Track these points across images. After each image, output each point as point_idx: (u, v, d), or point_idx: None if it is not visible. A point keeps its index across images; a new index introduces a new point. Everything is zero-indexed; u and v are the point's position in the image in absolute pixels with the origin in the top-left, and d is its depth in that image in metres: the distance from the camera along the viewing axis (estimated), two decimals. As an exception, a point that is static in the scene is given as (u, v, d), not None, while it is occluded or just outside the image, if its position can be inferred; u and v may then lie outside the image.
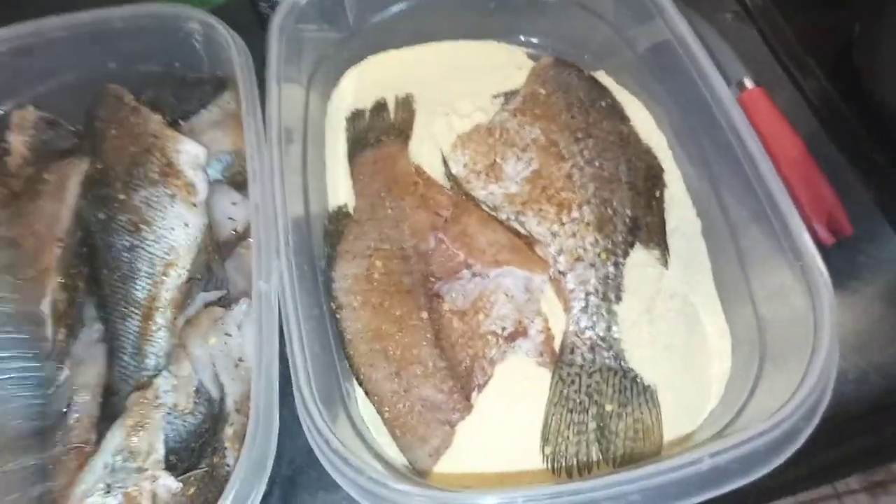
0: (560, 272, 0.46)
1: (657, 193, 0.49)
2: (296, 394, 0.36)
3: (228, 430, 0.40)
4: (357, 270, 0.45)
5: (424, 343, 0.42)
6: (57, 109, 0.57)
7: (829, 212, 0.48)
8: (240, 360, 0.42)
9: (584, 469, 0.40)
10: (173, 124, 0.53)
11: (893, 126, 0.52)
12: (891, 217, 0.50)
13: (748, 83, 0.54)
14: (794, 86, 0.58)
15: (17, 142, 0.56)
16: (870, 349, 0.45)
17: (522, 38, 0.61)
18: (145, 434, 0.41)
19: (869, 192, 0.52)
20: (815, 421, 0.34)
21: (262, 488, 0.35)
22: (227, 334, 0.42)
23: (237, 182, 0.53)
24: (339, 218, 0.49)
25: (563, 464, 0.40)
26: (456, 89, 0.58)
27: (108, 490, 0.39)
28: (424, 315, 0.43)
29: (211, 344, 0.42)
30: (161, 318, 0.44)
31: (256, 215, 0.42)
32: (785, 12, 0.62)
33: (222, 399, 0.41)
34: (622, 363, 0.43)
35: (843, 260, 0.49)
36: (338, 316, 0.44)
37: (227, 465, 0.39)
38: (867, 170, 0.52)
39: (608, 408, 0.41)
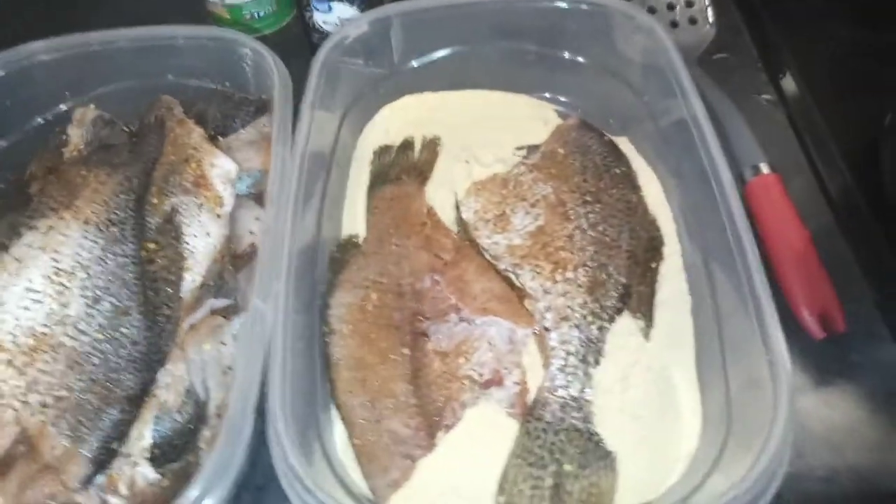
0: (545, 328, 0.47)
1: (653, 265, 0.50)
2: (268, 411, 0.39)
3: (206, 433, 0.43)
4: (352, 300, 0.48)
5: (400, 378, 0.44)
6: (114, 110, 0.62)
7: (823, 306, 0.48)
8: (228, 368, 0.45)
9: (533, 524, 0.41)
10: (213, 139, 0.57)
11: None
12: (889, 321, 0.50)
13: (764, 168, 0.55)
14: (813, 174, 0.59)
15: (76, 135, 0.62)
16: (844, 449, 0.45)
17: (553, 95, 0.64)
18: (138, 422, 0.44)
19: (871, 293, 0.51)
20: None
21: (224, 493, 0.37)
22: (222, 343, 0.45)
23: (262, 199, 0.57)
24: (348, 248, 0.52)
25: (515, 515, 0.41)
26: (482, 137, 0.61)
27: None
28: (406, 351, 0.45)
29: (205, 349, 0.45)
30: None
31: (265, 238, 0.45)
32: (819, 102, 0.62)
33: (206, 403, 0.44)
34: (589, 426, 0.44)
35: (834, 357, 0.49)
36: (327, 340, 0.47)
37: (199, 466, 0.42)
38: (873, 270, 0.52)
39: (567, 468, 0.43)
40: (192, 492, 0.36)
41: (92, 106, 0.62)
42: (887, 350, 0.49)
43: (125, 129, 0.62)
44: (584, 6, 0.58)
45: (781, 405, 0.36)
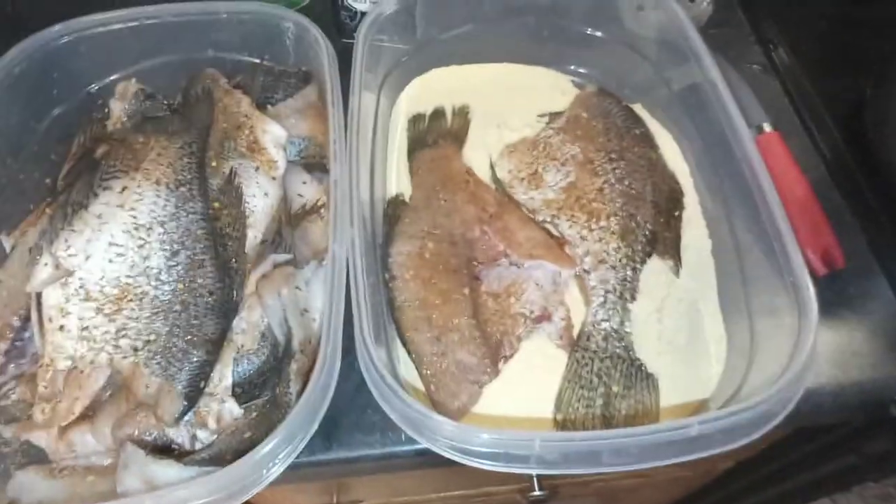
0: (585, 270, 0.53)
1: (676, 213, 0.56)
2: (357, 335, 0.43)
3: (293, 366, 0.47)
4: (411, 248, 0.52)
5: (464, 315, 0.49)
6: (155, 84, 0.65)
7: (825, 246, 0.55)
8: (305, 310, 0.49)
9: (590, 436, 0.46)
10: (260, 107, 0.61)
11: (890, 179, 0.59)
12: (880, 257, 0.56)
13: (766, 127, 0.61)
14: (807, 135, 0.65)
15: (118, 108, 0.64)
16: (848, 367, 0.52)
17: (570, 67, 0.69)
18: (219, 365, 0.48)
19: (864, 235, 0.58)
20: (788, 409, 0.40)
21: (322, 413, 0.41)
22: (297, 288, 0.49)
23: (308, 165, 0.60)
24: (396, 204, 0.57)
25: (572, 430, 0.46)
26: (506, 105, 0.66)
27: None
28: (466, 291, 0.50)
29: (283, 295, 0.49)
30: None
31: (335, 189, 0.49)
32: (808, 70, 0.69)
33: (289, 340, 0.48)
34: (630, 353, 0.50)
35: (834, 290, 0.55)
36: (390, 286, 0.51)
37: (290, 394, 0.46)
38: (864, 214, 0.59)
39: (614, 389, 0.48)
40: (298, 417, 0.40)
41: (133, 80, 0.64)
42: (879, 283, 0.56)
43: (164, 102, 0.65)
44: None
45: (808, 323, 0.42)
